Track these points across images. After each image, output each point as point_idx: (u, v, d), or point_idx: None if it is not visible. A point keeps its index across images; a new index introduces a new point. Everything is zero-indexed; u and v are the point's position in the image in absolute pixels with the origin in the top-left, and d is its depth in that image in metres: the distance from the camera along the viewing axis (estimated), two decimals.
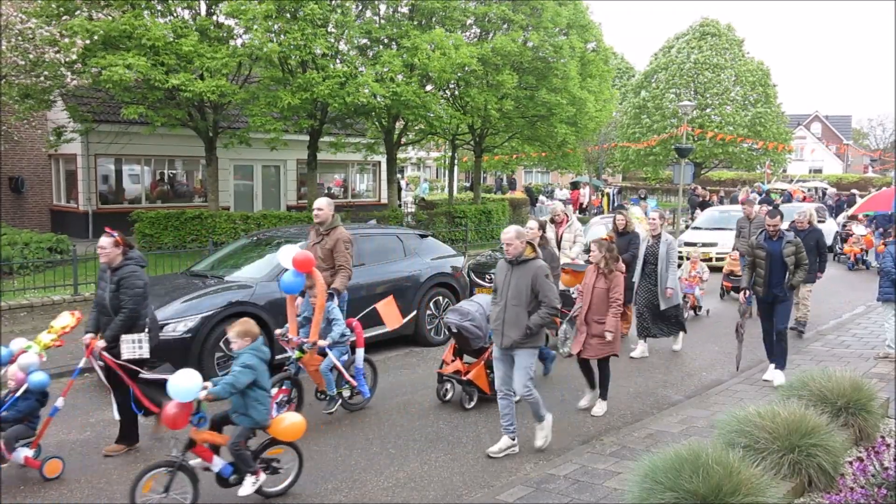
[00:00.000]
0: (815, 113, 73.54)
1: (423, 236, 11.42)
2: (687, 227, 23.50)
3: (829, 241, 20.67)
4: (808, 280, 11.07)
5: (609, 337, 7.34)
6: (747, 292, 8.80)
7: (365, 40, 19.14)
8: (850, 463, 5.02)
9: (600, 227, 15.69)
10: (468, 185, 43.53)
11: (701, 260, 15.65)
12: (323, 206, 8.53)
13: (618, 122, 39.66)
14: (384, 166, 25.29)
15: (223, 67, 15.38)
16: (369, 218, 19.62)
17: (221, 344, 8.25)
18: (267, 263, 9.45)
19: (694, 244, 19.00)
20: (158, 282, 9.78)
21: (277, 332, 7.48)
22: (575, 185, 39.87)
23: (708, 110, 37.79)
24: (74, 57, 14.37)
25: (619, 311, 7.41)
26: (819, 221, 23.42)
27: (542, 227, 9.14)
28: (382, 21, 19.58)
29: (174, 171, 23.45)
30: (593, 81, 23.60)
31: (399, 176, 36.74)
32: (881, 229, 19.12)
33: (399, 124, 22.13)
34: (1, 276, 12.69)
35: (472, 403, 7.81)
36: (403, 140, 23.17)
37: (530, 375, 6.45)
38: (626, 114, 39.71)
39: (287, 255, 7.31)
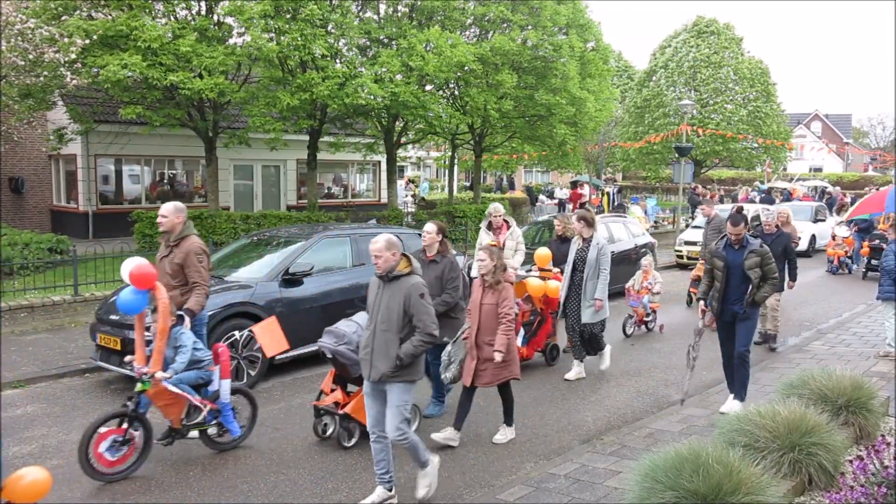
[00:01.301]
0: (816, 112, 73.54)
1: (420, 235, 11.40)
2: (687, 225, 23.51)
3: (826, 240, 20.12)
4: (779, 289, 10.15)
5: (499, 358, 6.40)
6: (705, 305, 7.63)
7: (364, 40, 19.13)
8: (851, 462, 5.03)
9: (600, 227, 15.63)
10: (468, 184, 43.54)
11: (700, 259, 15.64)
12: (168, 212, 7.20)
13: (619, 121, 39.66)
14: (384, 166, 25.28)
15: (221, 66, 15.37)
16: (369, 218, 19.62)
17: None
18: (267, 263, 9.45)
19: (694, 243, 19.01)
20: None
21: (126, 358, 6.32)
22: (575, 184, 39.83)
23: (708, 108, 37.79)
24: (73, 56, 14.37)
25: (511, 327, 6.54)
26: (819, 220, 23.44)
27: (442, 231, 7.45)
28: (382, 21, 19.58)
29: (174, 172, 23.45)
30: (593, 81, 23.57)
31: (408, 179, 36.78)
32: (860, 230, 18.40)
33: (399, 124, 22.13)
34: (1, 277, 12.68)
35: (352, 442, 6.68)
36: (403, 140, 23.16)
37: (405, 415, 5.44)
38: (627, 112, 39.71)
39: (126, 268, 6.10)
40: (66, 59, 14.13)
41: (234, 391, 6.62)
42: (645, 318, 11.46)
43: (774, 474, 5.04)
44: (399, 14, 19.92)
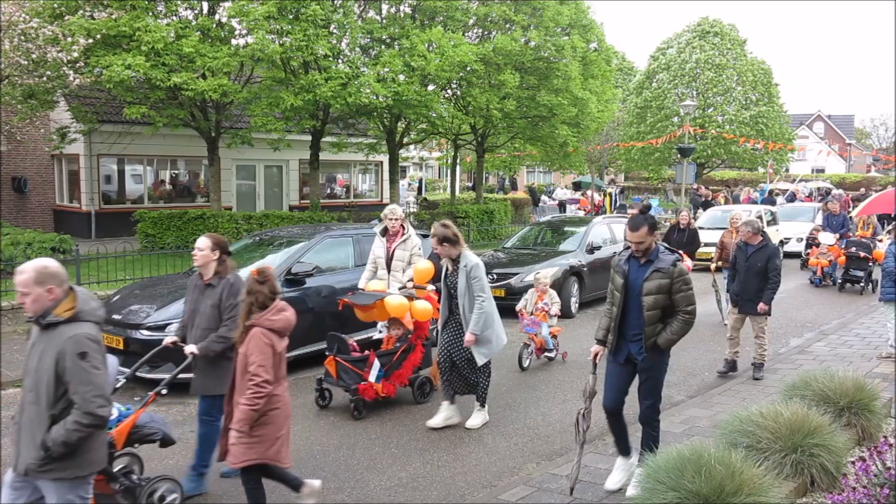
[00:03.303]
0: (818, 112, 73.47)
1: (424, 236, 11.41)
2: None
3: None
4: (756, 310, 8.97)
5: (233, 437, 4.60)
6: (600, 348, 5.65)
7: (367, 40, 19.15)
8: (853, 463, 5.02)
9: (602, 228, 15.59)
10: (470, 184, 43.52)
11: (702, 260, 15.52)
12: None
13: (620, 122, 39.65)
14: (386, 166, 25.32)
15: (225, 67, 15.39)
16: (371, 218, 19.63)
17: None
18: (269, 263, 9.45)
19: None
20: (161, 282, 9.79)
21: None
22: (577, 186, 39.81)
23: (710, 110, 37.76)
24: (76, 55, 14.39)
25: (260, 393, 4.52)
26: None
27: (220, 246, 5.67)
28: (384, 21, 19.59)
29: (177, 171, 23.48)
30: (595, 82, 23.58)
31: (409, 180, 36.74)
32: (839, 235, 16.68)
33: (401, 124, 22.15)
34: (1, 275, 12.70)
35: None
36: (405, 140, 23.18)
37: None
38: (629, 113, 39.70)
39: None
40: (69, 58, 14.16)
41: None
42: (546, 348, 9.59)
43: (777, 475, 5.03)
44: (401, 14, 19.94)
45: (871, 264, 15.36)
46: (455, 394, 7.25)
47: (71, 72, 14.77)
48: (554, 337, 9.73)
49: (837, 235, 16.57)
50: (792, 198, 31.16)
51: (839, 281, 15.93)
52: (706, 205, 28.65)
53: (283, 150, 20.06)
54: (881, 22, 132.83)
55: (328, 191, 27.27)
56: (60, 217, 22.23)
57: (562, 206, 33.32)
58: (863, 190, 35.03)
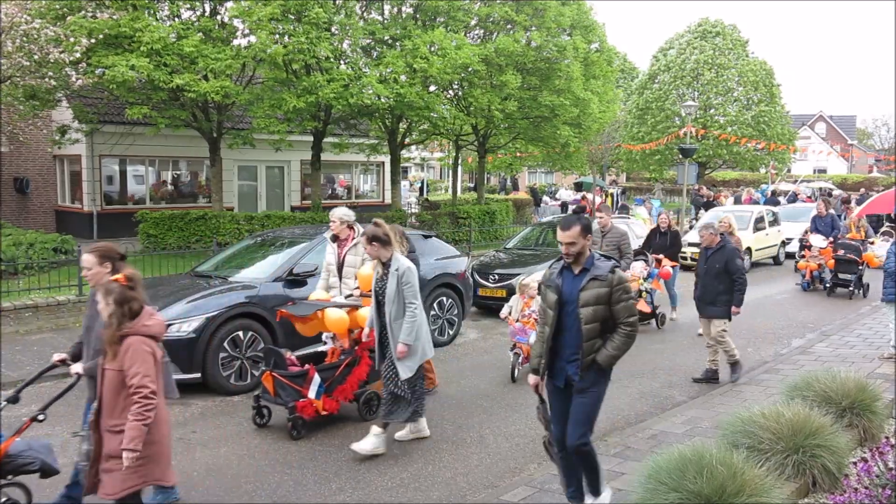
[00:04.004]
0: (820, 113, 73.45)
1: (426, 237, 11.43)
2: (691, 227, 23.48)
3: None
4: (721, 314, 8.78)
5: (128, 461, 4.09)
6: (538, 379, 5.13)
7: (368, 41, 19.16)
8: (855, 464, 5.02)
9: None
10: (472, 185, 43.52)
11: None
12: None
13: (622, 123, 39.67)
14: (388, 167, 25.34)
15: (227, 69, 15.41)
16: (373, 219, 19.62)
17: (226, 344, 8.27)
18: (271, 264, 9.47)
19: (698, 244, 18.96)
20: (163, 282, 9.81)
21: None
22: (579, 187, 39.78)
23: (711, 111, 37.75)
24: (78, 55, 14.42)
25: (148, 406, 4.11)
26: None
27: (108, 257, 4.93)
28: (386, 21, 19.60)
29: (178, 172, 23.50)
30: (597, 82, 23.57)
31: (411, 180, 36.75)
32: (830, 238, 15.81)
33: (403, 125, 22.16)
34: (1, 276, 12.73)
35: None
36: (407, 140, 23.20)
37: None
38: (630, 114, 39.71)
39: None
40: (71, 59, 14.19)
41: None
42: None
43: (778, 476, 5.04)
44: (403, 15, 19.95)
45: (860, 268, 14.78)
46: (385, 421, 6.59)
47: (73, 72, 14.80)
48: None
49: (831, 238, 15.74)
50: (794, 198, 31.12)
51: (828, 285, 15.29)
52: (708, 205, 28.64)
53: (284, 151, 20.06)
54: (883, 22, 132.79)
55: (330, 191, 27.29)
56: (62, 218, 22.26)
57: (564, 206, 33.32)
58: (863, 191, 34.99)
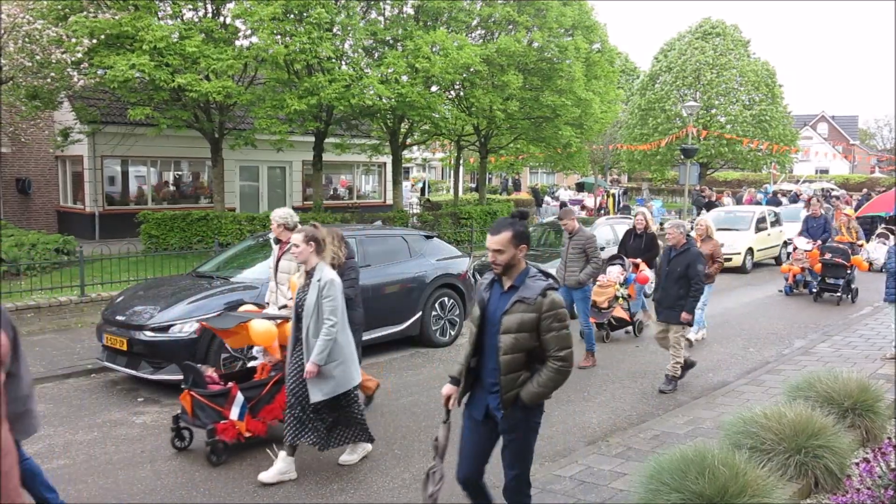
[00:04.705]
0: (822, 113, 73.38)
1: (428, 237, 11.43)
2: (692, 227, 23.45)
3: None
4: (679, 319, 8.42)
5: None
6: (453, 389, 4.44)
7: (370, 41, 19.18)
8: (857, 464, 5.01)
9: (605, 229, 15.60)
10: (473, 185, 43.52)
11: None
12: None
13: (623, 123, 39.66)
14: (389, 167, 25.36)
15: (229, 69, 15.43)
16: (374, 219, 19.64)
17: (227, 345, 8.26)
18: (272, 265, 9.46)
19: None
20: (164, 283, 9.81)
21: None
22: (581, 187, 39.77)
23: (713, 111, 37.73)
24: (80, 56, 14.44)
25: None
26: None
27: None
28: (388, 22, 19.62)
29: (180, 173, 23.53)
30: (598, 83, 23.57)
31: (413, 181, 36.77)
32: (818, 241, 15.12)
33: (404, 125, 22.17)
34: (0, 276, 12.74)
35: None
36: (409, 141, 23.22)
37: None
38: (631, 114, 39.71)
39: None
40: (73, 59, 14.22)
41: None
42: None
43: (780, 476, 5.03)
44: (404, 15, 19.96)
45: (849, 272, 14.12)
46: (320, 444, 6.01)
47: (75, 73, 14.83)
48: None
49: (818, 241, 15.03)
50: (795, 199, 31.10)
51: (815, 290, 14.63)
52: (710, 206, 28.63)
53: (286, 152, 20.06)
54: (885, 22, 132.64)
55: (331, 192, 27.32)
56: (64, 218, 22.28)
57: (563, 206, 33.32)
58: (865, 191, 34.96)
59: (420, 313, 10.40)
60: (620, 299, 11.26)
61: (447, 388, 4.40)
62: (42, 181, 22.66)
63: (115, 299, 9.44)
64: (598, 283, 11.18)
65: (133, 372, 8.21)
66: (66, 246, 15.16)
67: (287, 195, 25.11)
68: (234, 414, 6.30)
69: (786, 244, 20.37)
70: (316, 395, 5.78)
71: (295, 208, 24.57)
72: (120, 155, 21.11)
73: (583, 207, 32.60)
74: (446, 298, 10.87)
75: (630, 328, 11.54)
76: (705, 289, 10.38)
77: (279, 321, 6.68)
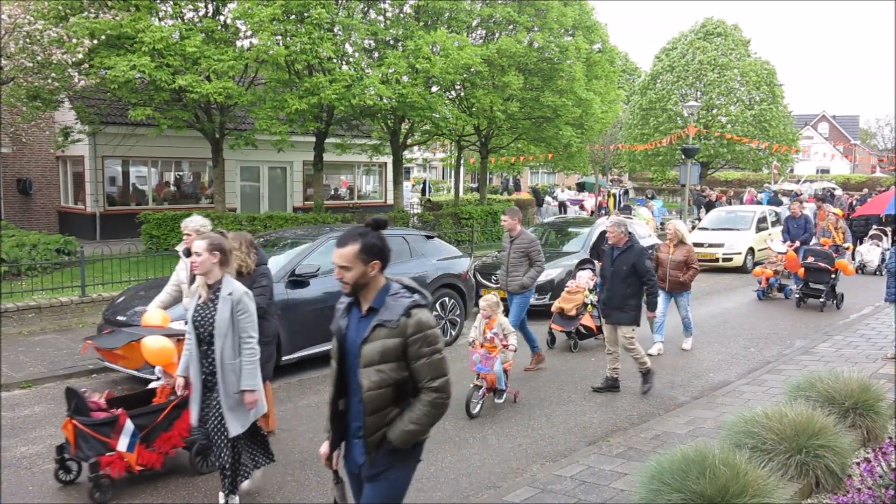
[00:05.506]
0: (823, 113, 73.38)
1: (428, 237, 11.44)
2: (693, 227, 23.46)
3: None
4: (629, 320, 8.20)
5: None
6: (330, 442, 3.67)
7: (370, 41, 19.18)
8: (858, 464, 5.01)
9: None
10: (474, 186, 43.52)
11: (706, 260, 15.36)
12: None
13: (624, 123, 39.65)
14: (390, 167, 25.37)
15: (230, 69, 15.43)
16: (217, 228, 19.63)
17: None
18: (273, 265, 9.44)
19: (701, 244, 18.93)
20: (165, 283, 9.80)
21: None
22: (581, 187, 39.76)
23: (714, 111, 37.72)
24: (81, 56, 14.46)
25: None
26: None
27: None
28: (388, 22, 19.62)
29: (181, 173, 23.54)
30: (599, 83, 23.57)
31: (414, 181, 36.78)
32: (797, 243, 14.50)
33: (405, 125, 22.18)
34: (1, 276, 12.75)
35: None
36: (409, 141, 23.23)
37: None
38: (632, 114, 39.70)
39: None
40: (74, 59, 14.24)
41: None
42: (497, 387, 7.74)
43: (781, 476, 5.03)
44: (405, 15, 19.96)
45: (832, 276, 13.42)
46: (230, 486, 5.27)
47: (76, 73, 14.85)
48: (505, 373, 7.84)
49: (796, 242, 14.44)
50: (795, 198, 31.07)
51: (796, 295, 13.90)
52: (710, 205, 28.63)
53: (286, 152, 20.06)
54: (886, 21, 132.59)
55: (332, 192, 27.33)
56: (65, 218, 22.30)
57: (562, 206, 33.33)
58: (865, 191, 34.94)
59: None
60: (590, 306, 10.42)
61: (323, 447, 3.64)
62: (43, 181, 22.67)
63: (115, 299, 9.45)
64: (566, 289, 10.70)
65: (134, 372, 8.21)
66: (66, 246, 15.17)
67: (288, 195, 25.13)
68: (122, 445, 5.54)
69: (751, 251, 19.16)
70: (236, 427, 5.11)
71: (296, 208, 24.76)
72: (121, 155, 21.13)
73: (582, 207, 32.61)
74: (447, 298, 10.87)
75: (599, 337, 10.39)
76: (686, 297, 10.28)
77: (180, 338, 5.87)
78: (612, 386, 8.46)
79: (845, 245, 14.78)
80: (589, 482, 5.67)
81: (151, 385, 6.42)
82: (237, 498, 5.27)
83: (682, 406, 7.87)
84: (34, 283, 12.87)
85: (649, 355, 9.59)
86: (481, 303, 7.92)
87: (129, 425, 5.57)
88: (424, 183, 41.89)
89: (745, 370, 9.39)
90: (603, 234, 11.44)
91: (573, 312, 10.29)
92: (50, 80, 14.62)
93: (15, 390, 8.46)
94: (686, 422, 7.16)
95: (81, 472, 5.84)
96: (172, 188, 23.19)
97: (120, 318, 8.49)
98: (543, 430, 7.20)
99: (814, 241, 14.79)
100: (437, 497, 5.71)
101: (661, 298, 10.17)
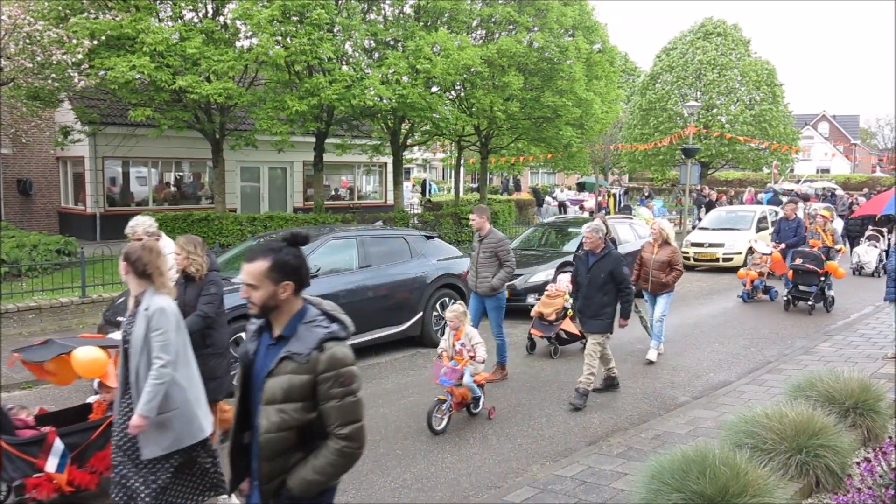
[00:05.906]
0: (823, 112, 73.37)
1: (429, 237, 11.44)
2: (693, 227, 23.46)
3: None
4: (602, 328, 8.00)
5: None
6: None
7: (370, 42, 19.18)
8: (858, 464, 5.02)
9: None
10: (474, 186, 43.51)
11: (706, 260, 15.34)
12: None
13: (624, 123, 39.66)
14: (390, 167, 25.38)
15: (230, 70, 15.44)
16: (375, 219, 19.65)
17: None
18: None
19: (701, 244, 18.93)
20: None
21: None
22: (581, 187, 39.75)
23: (714, 110, 37.72)
24: (81, 57, 14.46)
25: None
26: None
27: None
28: (388, 22, 19.62)
29: (181, 173, 23.53)
30: (599, 83, 23.56)
31: (414, 182, 36.76)
32: (784, 245, 14.10)
33: (405, 126, 22.18)
34: (3, 278, 12.75)
35: None
36: (409, 141, 23.23)
37: None
38: (632, 114, 39.71)
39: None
40: (74, 60, 14.25)
41: None
42: (474, 395, 7.40)
43: (781, 476, 5.03)
44: (405, 16, 19.97)
45: (822, 279, 13.12)
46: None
47: (76, 74, 14.85)
48: (480, 386, 7.47)
49: (782, 245, 14.12)
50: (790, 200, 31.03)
51: (784, 298, 13.66)
52: (710, 205, 28.63)
53: (286, 152, 20.05)
54: (887, 21, 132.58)
55: (332, 192, 27.32)
56: (65, 219, 22.29)
57: (562, 206, 33.35)
58: (866, 190, 34.94)
59: (421, 314, 10.41)
60: (570, 311, 10.00)
61: (245, 483, 3.28)
62: (43, 182, 22.67)
63: (116, 300, 9.45)
64: (546, 292, 10.38)
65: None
66: (67, 247, 15.18)
67: (288, 195, 25.12)
68: (50, 466, 5.02)
69: (751, 251, 18.39)
70: (152, 450, 4.59)
71: (296, 209, 24.76)
72: (121, 156, 21.12)
73: (582, 208, 32.60)
74: (447, 299, 10.87)
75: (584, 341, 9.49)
76: (666, 298, 9.96)
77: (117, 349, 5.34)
78: (611, 385, 8.50)
79: (837, 247, 14.39)
80: (589, 482, 5.67)
81: (89, 399, 5.99)
82: (234, 498, 4.57)
83: (683, 406, 7.87)
84: (34, 283, 12.88)
85: (649, 362, 9.59)
86: (447, 314, 7.61)
87: (58, 444, 5.06)
88: (426, 183, 41.89)
89: (746, 370, 9.39)
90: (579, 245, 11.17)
91: (553, 317, 10.03)
92: (50, 81, 14.61)
93: (16, 391, 8.47)
94: (686, 422, 7.16)
95: (10, 495, 5.10)
96: (173, 189, 23.18)
97: (120, 318, 8.48)
98: (543, 430, 7.20)
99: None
100: (437, 497, 5.71)
101: (649, 305, 10.13)
